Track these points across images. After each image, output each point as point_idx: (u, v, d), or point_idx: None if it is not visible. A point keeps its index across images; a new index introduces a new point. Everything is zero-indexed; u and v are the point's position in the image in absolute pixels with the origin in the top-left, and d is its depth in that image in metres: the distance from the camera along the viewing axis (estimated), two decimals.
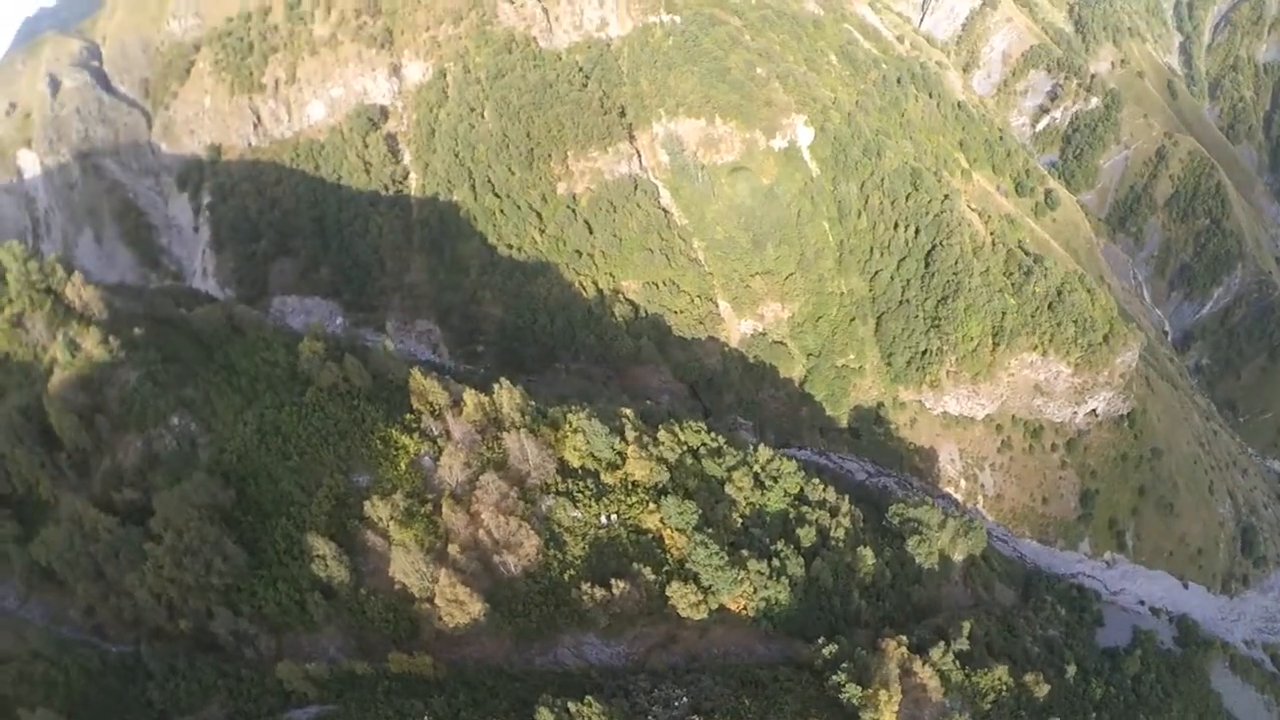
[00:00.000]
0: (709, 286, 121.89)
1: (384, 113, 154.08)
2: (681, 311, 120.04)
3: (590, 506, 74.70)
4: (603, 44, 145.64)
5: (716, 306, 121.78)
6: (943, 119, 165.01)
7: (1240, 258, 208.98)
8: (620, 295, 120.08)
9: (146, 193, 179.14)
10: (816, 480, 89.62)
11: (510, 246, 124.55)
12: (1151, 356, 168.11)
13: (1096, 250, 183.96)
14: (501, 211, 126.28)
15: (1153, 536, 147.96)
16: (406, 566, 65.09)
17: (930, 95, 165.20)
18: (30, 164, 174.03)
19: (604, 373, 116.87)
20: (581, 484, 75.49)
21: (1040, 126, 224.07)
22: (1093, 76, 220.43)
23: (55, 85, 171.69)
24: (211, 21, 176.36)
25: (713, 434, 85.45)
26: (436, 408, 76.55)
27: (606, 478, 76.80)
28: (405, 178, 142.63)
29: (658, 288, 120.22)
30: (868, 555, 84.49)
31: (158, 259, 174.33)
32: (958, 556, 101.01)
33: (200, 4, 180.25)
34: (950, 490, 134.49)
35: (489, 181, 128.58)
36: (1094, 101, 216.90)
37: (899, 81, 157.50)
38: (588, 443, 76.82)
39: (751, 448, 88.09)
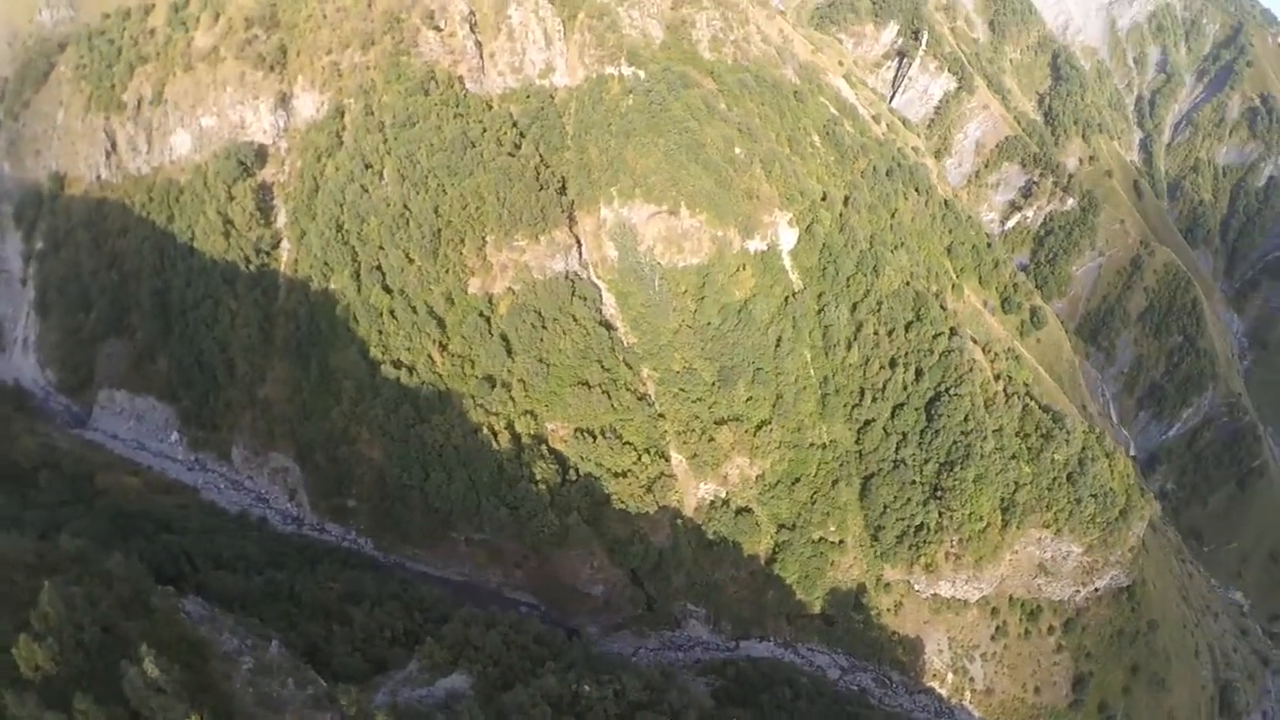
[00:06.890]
0: (660, 436, 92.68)
1: (261, 155, 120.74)
2: (625, 474, 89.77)
3: None
4: (545, 94, 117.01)
5: (669, 464, 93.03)
6: (930, 220, 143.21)
7: (1212, 379, 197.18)
8: (544, 446, 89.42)
9: None
10: None
11: (399, 366, 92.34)
12: None
13: (1079, 375, 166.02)
14: (392, 314, 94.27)
15: (1142, 715, 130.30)
16: None
17: (918, 191, 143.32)
18: None
19: (518, 552, 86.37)
20: None
21: (1010, 224, 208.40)
22: (1070, 177, 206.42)
23: None
24: (87, 16, 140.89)
25: None
26: None
27: None
28: (275, 246, 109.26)
29: (594, 439, 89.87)
30: None
31: None
32: None
33: None
34: (935, 685, 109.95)
35: (378, 269, 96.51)
36: (1070, 203, 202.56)
37: (889, 174, 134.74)
38: None
39: None
